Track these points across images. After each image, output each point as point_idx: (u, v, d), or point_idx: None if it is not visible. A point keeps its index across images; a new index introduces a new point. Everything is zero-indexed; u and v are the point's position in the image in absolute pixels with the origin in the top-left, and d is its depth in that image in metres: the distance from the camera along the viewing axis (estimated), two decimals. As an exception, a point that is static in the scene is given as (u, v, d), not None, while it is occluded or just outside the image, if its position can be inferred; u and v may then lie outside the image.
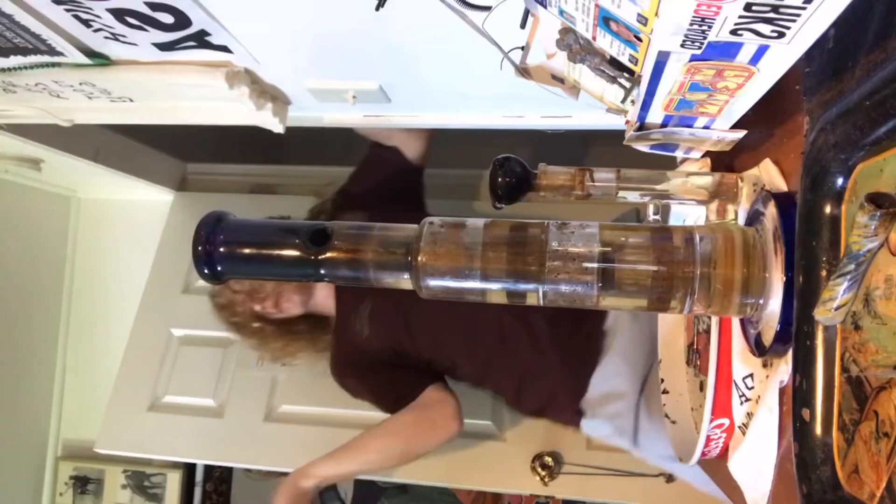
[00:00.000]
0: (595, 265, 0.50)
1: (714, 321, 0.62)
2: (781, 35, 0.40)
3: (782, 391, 0.54)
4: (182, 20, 0.78)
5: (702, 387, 0.72)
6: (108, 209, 1.97)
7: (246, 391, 1.65)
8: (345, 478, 1.24)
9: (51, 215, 1.91)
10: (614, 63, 0.54)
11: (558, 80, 0.66)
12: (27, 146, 1.36)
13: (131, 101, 1.02)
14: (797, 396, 0.48)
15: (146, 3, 0.75)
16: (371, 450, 1.22)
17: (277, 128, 1.03)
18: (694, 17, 0.39)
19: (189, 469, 1.96)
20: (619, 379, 1.21)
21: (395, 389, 1.26)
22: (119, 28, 0.80)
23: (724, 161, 0.66)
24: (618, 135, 0.65)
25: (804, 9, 0.36)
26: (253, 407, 1.63)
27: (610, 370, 1.22)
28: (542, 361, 1.24)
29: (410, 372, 1.27)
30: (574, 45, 0.55)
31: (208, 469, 2.03)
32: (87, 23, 0.80)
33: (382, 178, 1.39)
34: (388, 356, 1.29)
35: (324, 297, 1.34)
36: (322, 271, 0.53)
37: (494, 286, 0.52)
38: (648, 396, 1.19)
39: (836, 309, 0.43)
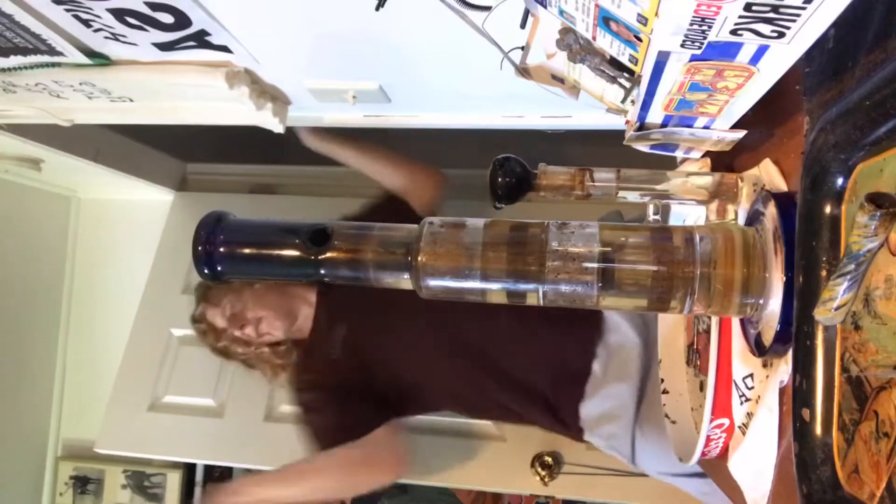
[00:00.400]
0: (595, 265, 0.50)
1: (714, 321, 0.62)
2: (781, 35, 0.40)
3: (782, 391, 0.54)
4: (182, 20, 0.79)
5: (702, 387, 0.72)
6: (108, 209, 1.97)
7: (246, 391, 1.65)
8: (274, 502, 1.20)
9: (51, 215, 1.91)
10: (614, 63, 0.54)
11: (558, 80, 0.66)
12: (27, 146, 1.36)
13: (131, 101, 1.02)
14: (797, 396, 0.47)
15: (146, 3, 0.75)
16: (312, 477, 1.19)
17: (277, 128, 1.03)
18: (694, 17, 0.39)
19: (189, 469, 1.96)
20: (612, 401, 1.19)
21: (346, 420, 1.22)
22: (119, 28, 0.81)
23: (724, 161, 0.66)
24: (618, 135, 0.65)
25: (804, 9, 0.36)
26: (253, 407, 1.63)
27: (602, 393, 1.19)
28: (530, 389, 1.22)
29: (367, 406, 1.24)
30: (574, 45, 0.55)
31: (208, 469, 2.03)
32: (87, 23, 0.80)
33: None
34: (352, 383, 1.26)
35: (303, 321, 1.32)
36: (322, 271, 0.53)
37: (494, 286, 0.52)
38: (644, 417, 1.17)
39: (836, 309, 0.43)
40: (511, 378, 1.22)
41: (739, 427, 0.61)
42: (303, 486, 1.19)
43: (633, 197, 0.62)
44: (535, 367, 1.22)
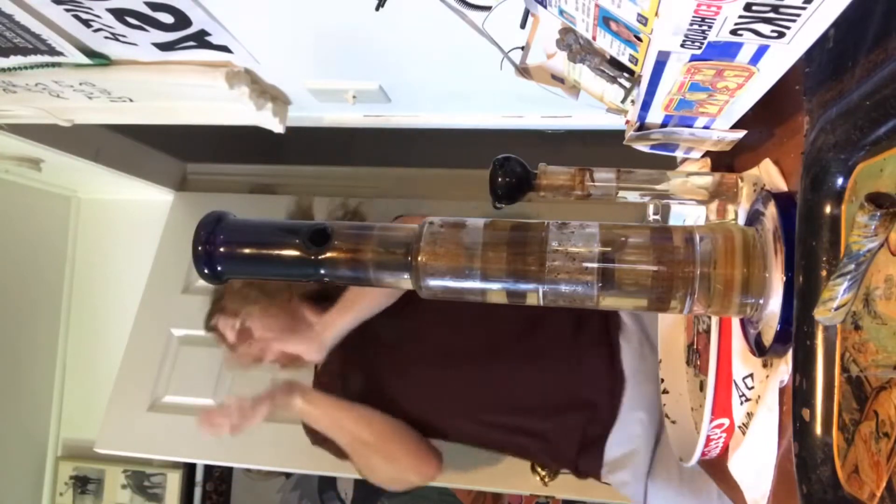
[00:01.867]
0: (595, 265, 0.50)
1: (714, 321, 0.62)
2: (781, 35, 0.40)
3: (782, 391, 0.54)
4: (182, 20, 0.79)
5: (702, 387, 0.72)
6: (108, 209, 1.97)
7: (246, 392, 1.64)
8: (321, 422, 1.19)
9: (51, 215, 1.91)
10: (614, 63, 0.54)
11: (558, 80, 0.66)
12: (27, 146, 1.36)
13: (131, 101, 1.02)
14: (797, 396, 0.47)
15: (146, 3, 0.75)
16: (360, 422, 1.17)
17: (277, 128, 1.03)
18: (694, 17, 0.39)
19: (189, 469, 1.96)
20: (629, 446, 1.17)
21: None
22: (119, 28, 0.81)
23: (724, 161, 0.66)
24: (618, 135, 0.65)
25: (804, 9, 0.36)
26: (253, 407, 1.63)
27: (621, 436, 1.18)
28: (552, 424, 1.21)
29: None
30: (574, 45, 0.55)
31: (208, 469, 2.03)
32: (87, 23, 0.80)
33: None
34: None
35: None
36: (322, 271, 0.53)
37: (494, 286, 0.52)
38: (656, 466, 1.16)
39: (836, 309, 0.43)
40: (535, 427, 1.21)
41: (739, 427, 0.61)
42: (352, 425, 1.17)
43: (633, 197, 0.62)
44: (563, 411, 1.20)
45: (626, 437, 1.17)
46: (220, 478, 2.11)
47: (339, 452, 1.23)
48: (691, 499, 1.10)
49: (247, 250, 0.55)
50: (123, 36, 0.83)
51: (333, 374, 1.27)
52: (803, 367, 0.47)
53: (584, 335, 1.21)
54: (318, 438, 1.26)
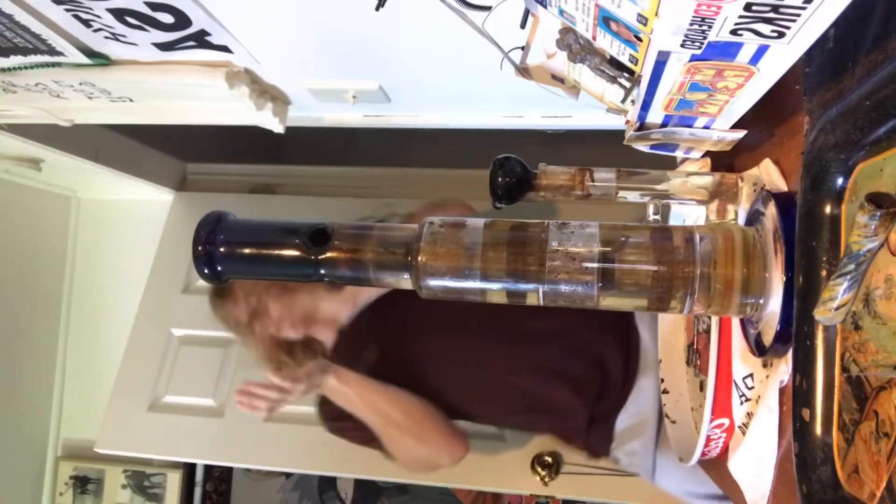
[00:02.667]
0: (595, 265, 0.50)
1: (714, 321, 0.62)
2: (781, 35, 0.40)
3: (782, 391, 0.54)
4: (182, 20, 0.79)
5: (702, 387, 0.72)
6: (108, 209, 1.97)
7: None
8: (353, 402, 1.18)
9: (51, 215, 1.91)
10: (614, 63, 0.54)
11: (558, 80, 0.66)
12: (27, 146, 1.36)
13: (131, 101, 1.02)
14: (797, 396, 0.48)
15: (146, 3, 0.75)
16: (393, 403, 1.17)
17: (277, 128, 1.03)
18: (694, 17, 0.39)
19: (189, 469, 1.96)
20: (638, 417, 1.17)
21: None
22: (119, 28, 0.81)
23: (724, 161, 0.66)
24: (618, 135, 0.65)
25: (804, 9, 0.36)
26: (253, 407, 1.63)
27: (632, 408, 1.18)
28: (570, 401, 1.20)
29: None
30: (574, 45, 0.55)
31: (208, 469, 2.03)
32: (87, 23, 0.80)
33: None
34: None
35: (323, 328, 1.28)
36: (322, 271, 0.53)
37: (494, 286, 0.52)
38: (665, 439, 1.15)
39: (836, 309, 0.43)
40: (549, 400, 1.20)
41: (739, 427, 0.61)
42: (387, 407, 1.18)
43: (633, 197, 0.62)
44: (580, 378, 1.20)
45: (636, 409, 1.17)
46: (220, 478, 2.11)
47: (358, 438, 1.23)
48: (701, 471, 1.10)
49: (247, 250, 0.55)
50: (123, 36, 0.83)
51: (350, 351, 1.26)
52: (803, 367, 0.47)
53: (602, 313, 1.21)
54: (335, 427, 1.25)
